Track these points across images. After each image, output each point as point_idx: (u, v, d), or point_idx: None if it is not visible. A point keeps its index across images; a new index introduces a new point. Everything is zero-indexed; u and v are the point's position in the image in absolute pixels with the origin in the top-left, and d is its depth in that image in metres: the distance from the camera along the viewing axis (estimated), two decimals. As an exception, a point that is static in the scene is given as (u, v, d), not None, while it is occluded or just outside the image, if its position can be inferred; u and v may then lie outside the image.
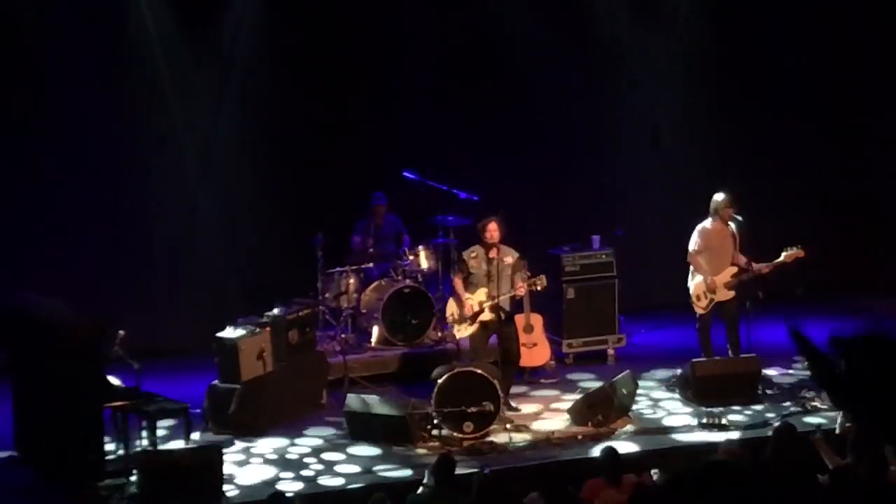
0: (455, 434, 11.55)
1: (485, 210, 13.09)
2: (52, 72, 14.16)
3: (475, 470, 10.14)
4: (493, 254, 12.53)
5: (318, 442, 11.87)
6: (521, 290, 12.62)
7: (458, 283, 12.71)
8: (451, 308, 12.77)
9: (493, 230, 12.54)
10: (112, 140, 14.48)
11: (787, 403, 12.43)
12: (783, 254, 12.95)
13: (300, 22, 15.01)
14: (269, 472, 11.15)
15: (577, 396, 12.52)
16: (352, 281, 14.04)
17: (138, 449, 10.97)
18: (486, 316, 12.58)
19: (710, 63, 16.31)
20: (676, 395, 12.79)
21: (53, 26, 14.10)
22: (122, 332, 11.00)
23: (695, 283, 13.20)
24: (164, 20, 14.56)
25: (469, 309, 12.57)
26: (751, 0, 16.42)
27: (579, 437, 11.68)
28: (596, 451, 10.16)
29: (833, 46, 16.75)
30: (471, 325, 12.61)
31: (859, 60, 16.83)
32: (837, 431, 10.27)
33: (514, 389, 12.80)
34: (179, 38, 14.65)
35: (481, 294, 12.57)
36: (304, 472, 11.14)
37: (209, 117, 14.96)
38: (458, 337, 12.80)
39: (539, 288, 12.61)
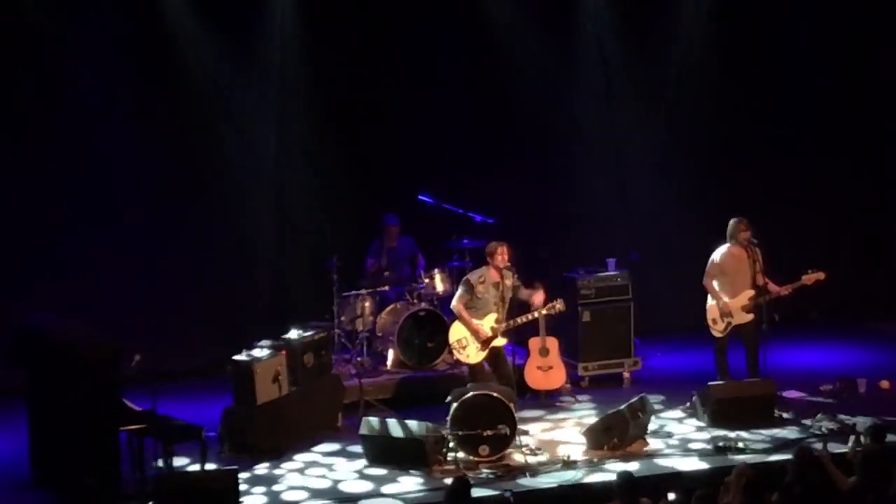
0: (471, 457, 11.54)
1: (500, 233, 13.09)
2: (75, 88, 14.32)
3: (496, 493, 10.12)
4: (500, 277, 12.54)
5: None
6: (539, 314, 12.61)
7: (461, 307, 12.65)
8: (457, 334, 12.72)
9: (504, 253, 12.54)
10: (131, 165, 14.56)
11: (805, 425, 12.38)
12: (804, 277, 12.95)
13: (315, 45, 15.07)
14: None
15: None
16: (367, 304, 14.05)
17: (154, 472, 10.96)
18: (499, 341, 12.57)
19: (725, 87, 16.32)
20: (693, 419, 12.76)
21: (78, 37, 14.26)
22: (137, 356, 11.00)
23: (710, 306, 13.19)
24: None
25: (483, 334, 12.55)
26: (762, 22, 16.42)
27: (595, 459, 11.67)
28: (612, 475, 10.12)
29: (847, 69, 16.76)
30: (482, 350, 12.59)
31: (875, 82, 16.83)
32: (849, 455, 10.26)
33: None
34: (206, 65, 14.81)
35: (490, 320, 12.55)
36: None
37: (227, 141, 15.00)
38: (468, 363, 12.76)
39: (556, 311, 12.60)
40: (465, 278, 12.83)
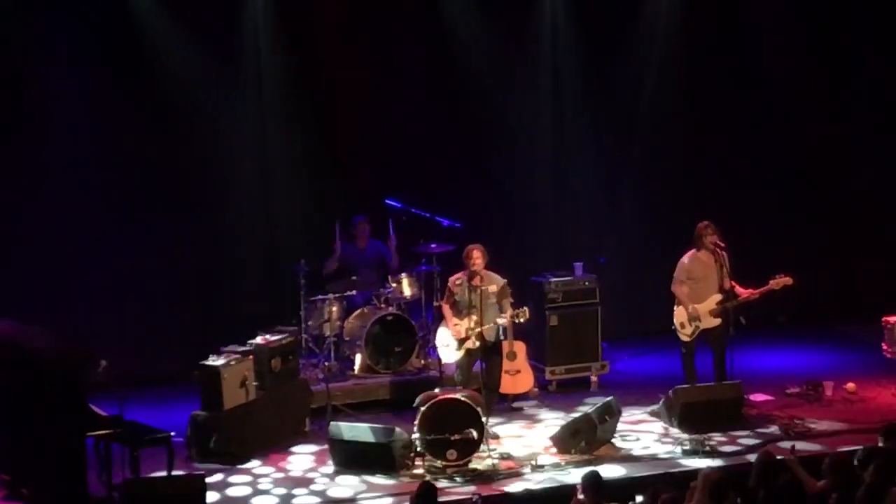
0: (438, 462, 11.54)
1: (467, 237, 13.11)
2: (44, 89, 14.27)
3: (463, 497, 10.14)
4: (476, 281, 12.55)
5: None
6: (505, 321, 12.61)
7: (445, 308, 12.72)
8: (440, 332, 12.77)
9: (476, 258, 12.54)
10: (98, 169, 14.48)
11: (772, 429, 12.44)
12: (771, 281, 13.00)
13: (285, 49, 15.05)
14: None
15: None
16: (335, 308, 14.02)
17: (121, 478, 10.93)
18: (471, 344, 12.58)
19: (691, 91, 16.34)
20: (660, 422, 12.79)
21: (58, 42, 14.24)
22: (104, 361, 10.96)
23: (677, 311, 13.22)
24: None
25: (457, 333, 12.57)
26: (729, 23, 16.45)
27: (562, 463, 11.68)
28: (579, 478, 10.14)
29: (813, 76, 16.81)
30: (457, 350, 12.62)
31: (841, 86, 16.89)
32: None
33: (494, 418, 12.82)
34: (180, 70, 14.77)
35: (466, 321, 12.58)
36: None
37: (199, 147, 14.95)
38: (444, 361, 12.79)
39: (521, 320, 12.60)
40: (448, 280, 12.88)
